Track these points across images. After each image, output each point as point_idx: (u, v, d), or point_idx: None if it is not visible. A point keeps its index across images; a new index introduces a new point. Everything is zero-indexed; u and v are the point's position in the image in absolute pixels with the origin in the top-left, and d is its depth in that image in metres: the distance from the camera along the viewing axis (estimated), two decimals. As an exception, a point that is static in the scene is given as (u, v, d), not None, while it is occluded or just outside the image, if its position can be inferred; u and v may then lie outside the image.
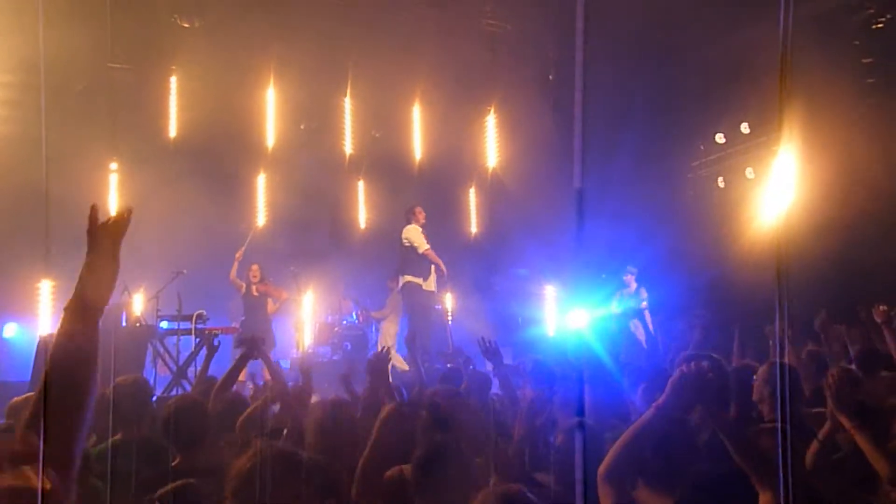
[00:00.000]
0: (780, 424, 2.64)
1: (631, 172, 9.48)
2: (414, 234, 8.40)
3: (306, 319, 9.95)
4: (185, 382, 7.37)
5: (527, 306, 10.12)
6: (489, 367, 4.91)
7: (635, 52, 9.20)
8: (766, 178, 8.47)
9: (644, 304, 9.21)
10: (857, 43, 8.29)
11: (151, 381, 6.18)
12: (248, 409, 3.62)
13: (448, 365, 8.69)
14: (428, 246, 8.35)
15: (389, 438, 2.81)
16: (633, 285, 9.48)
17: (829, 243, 6.98)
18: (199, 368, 7.49)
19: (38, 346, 6.93)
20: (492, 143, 10.97)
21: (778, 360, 3.95)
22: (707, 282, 8.45)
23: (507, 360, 7.24)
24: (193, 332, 7.56)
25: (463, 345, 9.81)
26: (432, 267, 8.41)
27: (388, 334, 9.94)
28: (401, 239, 8.59)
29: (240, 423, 3.51)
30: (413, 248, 8.44)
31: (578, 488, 2.25)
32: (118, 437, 3.45)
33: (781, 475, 2.12)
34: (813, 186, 6.93)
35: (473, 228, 11.51)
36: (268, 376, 4.59)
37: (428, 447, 2.60)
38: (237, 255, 8.82)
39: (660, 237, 9.47)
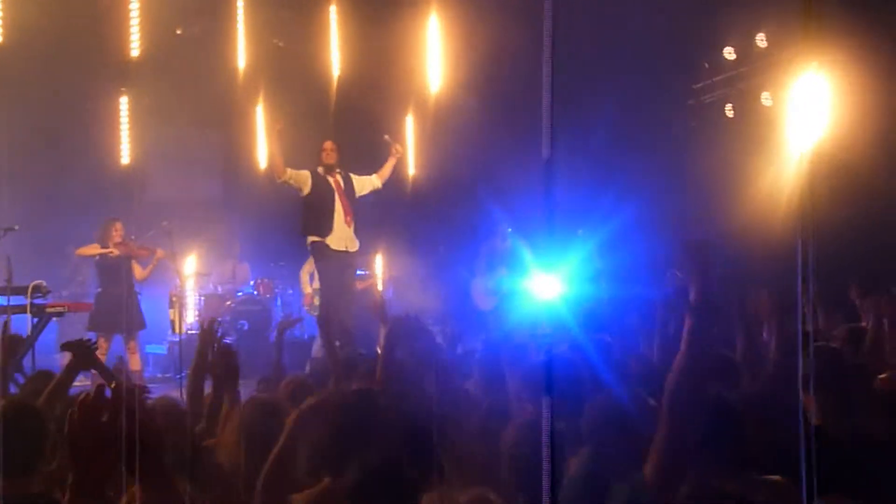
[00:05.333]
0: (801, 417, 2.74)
1: (614, 98, 9.45)
2: (297, 176, 8.26)
3: (188, 292, 9.74)
4: (19, 376, 7.13)
5: (482, 272, 10.10)
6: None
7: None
8: (787, 104, 8.53)
9: None
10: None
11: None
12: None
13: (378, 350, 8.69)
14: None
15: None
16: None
17: (863, 191, 7.08)
18: (36, 357, 7.34)
19: None
20: (435, 57, 10.78)
21: (800, 339, 3.97)
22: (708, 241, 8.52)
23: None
24: (29, 309, 7.33)
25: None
26: (338, 214, 8.27)
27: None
28: None
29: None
30: (304, 196, 8.27)
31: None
32: None
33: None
34: (846, 116, 6.97)
35: (411, 170, 11.37)
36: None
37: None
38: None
39: (652, 182, 9.51)
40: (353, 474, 2.77)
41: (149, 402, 3.63)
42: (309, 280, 10.03)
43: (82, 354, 4.23)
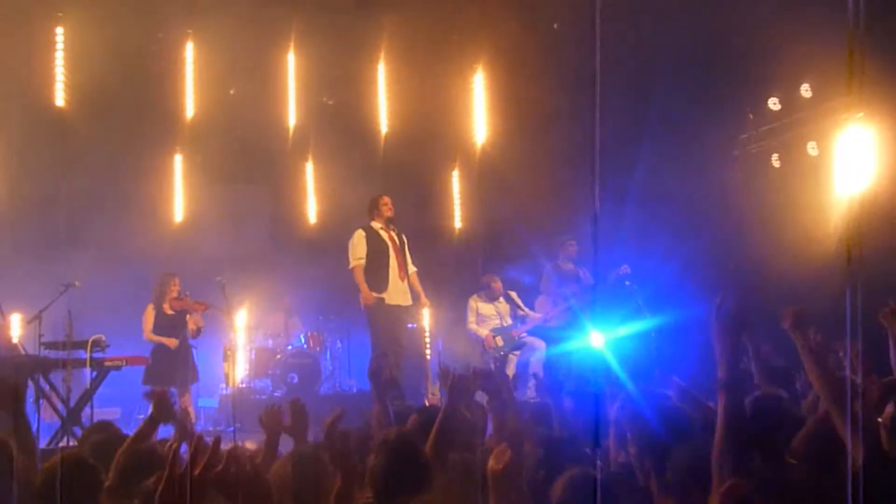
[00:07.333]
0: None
1: (659, 152, 9.52)
2: (353, 242, 8.41)
3: (239, 345, 9.87)
4: (77, 430, 7.27)
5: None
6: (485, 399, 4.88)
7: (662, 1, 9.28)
8: (833, 154, 8.51)
9: None
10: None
11: (34, 428, 6.09)
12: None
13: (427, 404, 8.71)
14: (358, 262, 8.33)
15: None
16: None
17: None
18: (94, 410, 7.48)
19: None
20: (479, 113, 10.95)
21: (848, 386, 3.96)
22: (760, 289, 8.48)
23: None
24: (89, 362, 7.47)
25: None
26: (392, 270, 8.39)
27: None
28: None
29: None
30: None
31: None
32: None
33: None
34: (893, 165, 6.98)
35: (458, 223, 11.47)
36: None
37: None
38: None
39: (699, 233, 9.52)
40: None
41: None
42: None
43: (162, 406, 4.23)
